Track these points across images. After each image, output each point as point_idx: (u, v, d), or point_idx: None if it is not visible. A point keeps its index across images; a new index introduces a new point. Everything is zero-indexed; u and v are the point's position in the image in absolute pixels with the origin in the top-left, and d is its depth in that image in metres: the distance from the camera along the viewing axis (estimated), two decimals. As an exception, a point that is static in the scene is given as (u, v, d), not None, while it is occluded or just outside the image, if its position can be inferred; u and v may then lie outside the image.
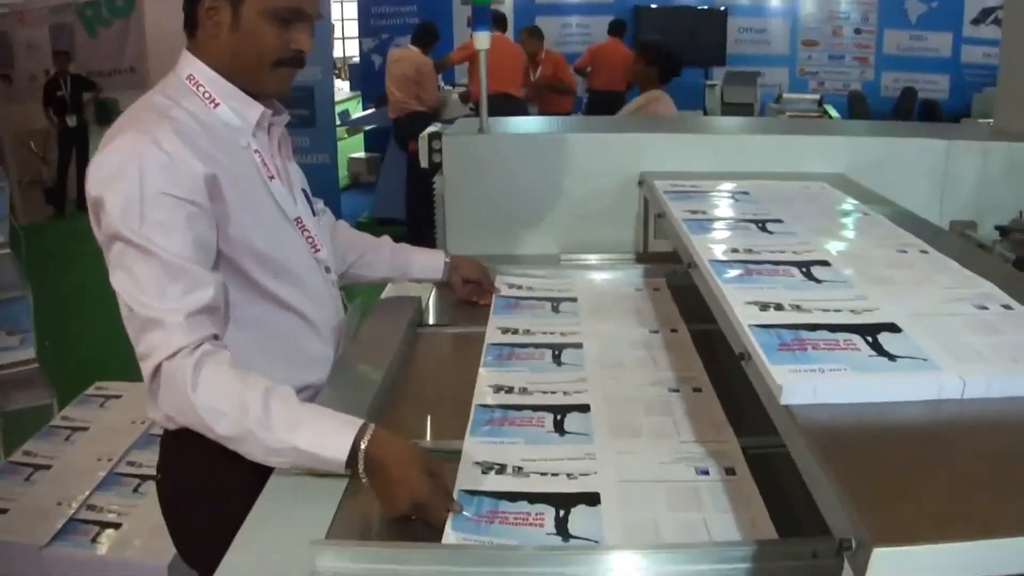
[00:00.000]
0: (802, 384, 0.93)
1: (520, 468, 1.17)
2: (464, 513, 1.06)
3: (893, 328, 1.07)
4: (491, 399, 1.38)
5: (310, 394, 1.39)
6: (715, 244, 1.44)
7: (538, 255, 2.27)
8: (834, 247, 1.43)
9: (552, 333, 1.64)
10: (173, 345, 1.16)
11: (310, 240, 1.42)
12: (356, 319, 1.88)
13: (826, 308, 1.14)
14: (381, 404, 1.41)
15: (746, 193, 1.87)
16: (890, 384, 0.94)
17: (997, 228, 2.19)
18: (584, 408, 1.34)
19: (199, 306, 1.18)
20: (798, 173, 2.13)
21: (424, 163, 2.46)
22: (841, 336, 1.05)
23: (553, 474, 1.15)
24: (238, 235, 1.28)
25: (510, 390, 1.41)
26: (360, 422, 1.14)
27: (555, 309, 1.79)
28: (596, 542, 1.02)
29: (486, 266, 1.90)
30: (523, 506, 1.08)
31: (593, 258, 2.22)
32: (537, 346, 1.58)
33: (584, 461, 1.19)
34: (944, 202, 2.31)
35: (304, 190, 1.49)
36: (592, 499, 1.10)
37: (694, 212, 1.67)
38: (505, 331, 1.66)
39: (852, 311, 1.13)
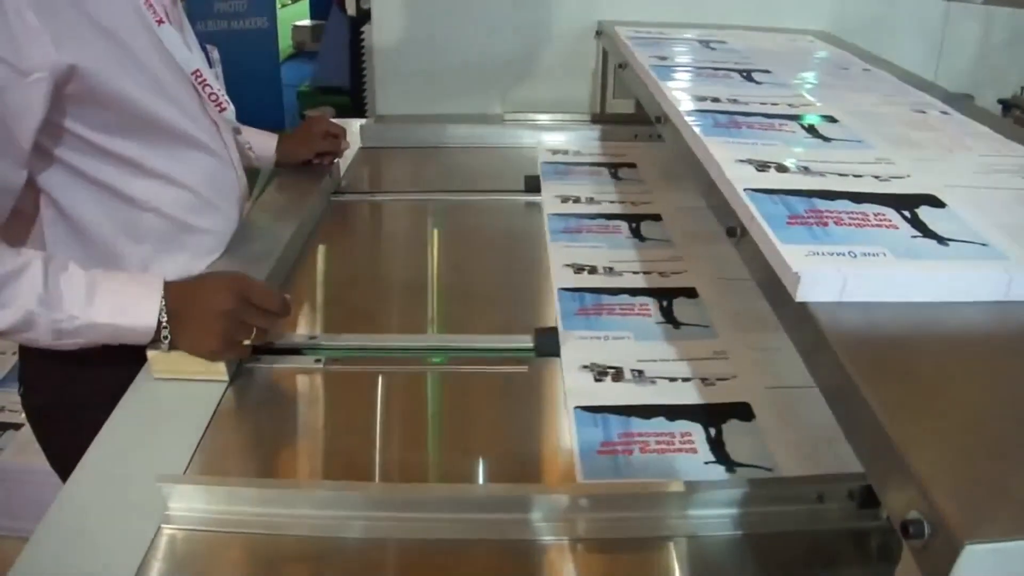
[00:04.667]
0: (827, 273, 0.65)
1: (641, 372, 0.95)
2: (596, 439, 0.85)
3: (934, 201, 0.80)
4: (573, 281, 1.16)
5: None
6: (692, 92, 1.14)
7: (478, 114, 1.95)
8: (837, 102, 1.14)
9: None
10: None
11: (213, 97, 1.12)
12: (261, 182, 1.57)
13: (843, 172, 0.86)
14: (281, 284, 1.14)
15: (723, 42, 1.56)
16: (945, 278, 0.66)
17: (1000, 102, 1.93)
18: (691, 292, 1.13)
19: None
20: (774, 28, 1.82)
21: (351, 10, 2.10)
22: (871, 208, 0.77)
23: (684, 379, 0.95)
24: (115, 101, 0.96)
25: (593, 270, 1.18)
26: (161, 278, 0.95)
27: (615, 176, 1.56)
28: (769, 469, 0.80)
29: None
30: (661, 424, 0.87)
31: (543, 118, 1.90)
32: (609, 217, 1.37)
33: (715, 361, 0.98)
34: (939, 71, 2.04)
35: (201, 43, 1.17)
36: (744, 412, 0.88)
37: (663, 59, 1.36)
38: (565, 199, 1.44)
39: (876, 177, 0.85)
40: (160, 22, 1.02)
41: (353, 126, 1.78)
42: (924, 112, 1.14)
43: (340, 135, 1.54)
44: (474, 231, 1.42)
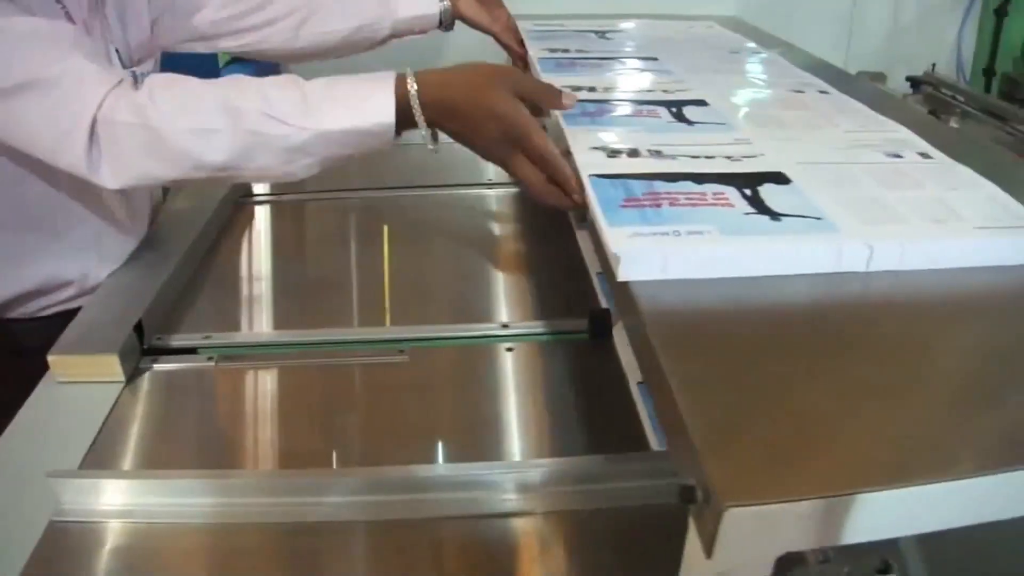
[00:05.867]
0: (647, 252, 0.65)
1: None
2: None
3: (780, 178, 0.80)
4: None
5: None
6: (571, 83, 1.13)
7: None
8: (716, 86, 1.14)
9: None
10: (93, 94, 0.85)
11: None
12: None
13: (695, 154, 0.85)
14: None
15: (620, 31, 1.56)
16: (771, 252, 0.66)
17: (908, 79, 1.96)
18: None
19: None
20: (681, 15, 1.82)
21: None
22: (711, 188, 0.77)
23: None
24: None
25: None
26: (392, 73, 0.86)
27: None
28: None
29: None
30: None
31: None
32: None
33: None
34: (851, 51, 2.06)
35: (118, 50, 1.13)
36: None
37: (553, 51, 1.36)
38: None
39: (728, 157, 0.85)
40: None
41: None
42: (802, 92, 1.14)
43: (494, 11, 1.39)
44: (391, 227, 1.42)
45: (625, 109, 1.01)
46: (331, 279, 1.24)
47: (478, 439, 0.87)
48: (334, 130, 0.85)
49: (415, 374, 0.97)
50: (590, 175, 0.79)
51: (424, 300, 1.15)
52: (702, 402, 0.51)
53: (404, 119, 0.85)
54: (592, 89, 1.09)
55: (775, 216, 0.71)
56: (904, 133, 0.97)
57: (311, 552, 0.73)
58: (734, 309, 0.63)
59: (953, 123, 1.78)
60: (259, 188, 1.55)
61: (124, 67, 1.12)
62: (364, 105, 0.85)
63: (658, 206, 0.72)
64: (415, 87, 0.85)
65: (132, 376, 0.96)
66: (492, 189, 1.48)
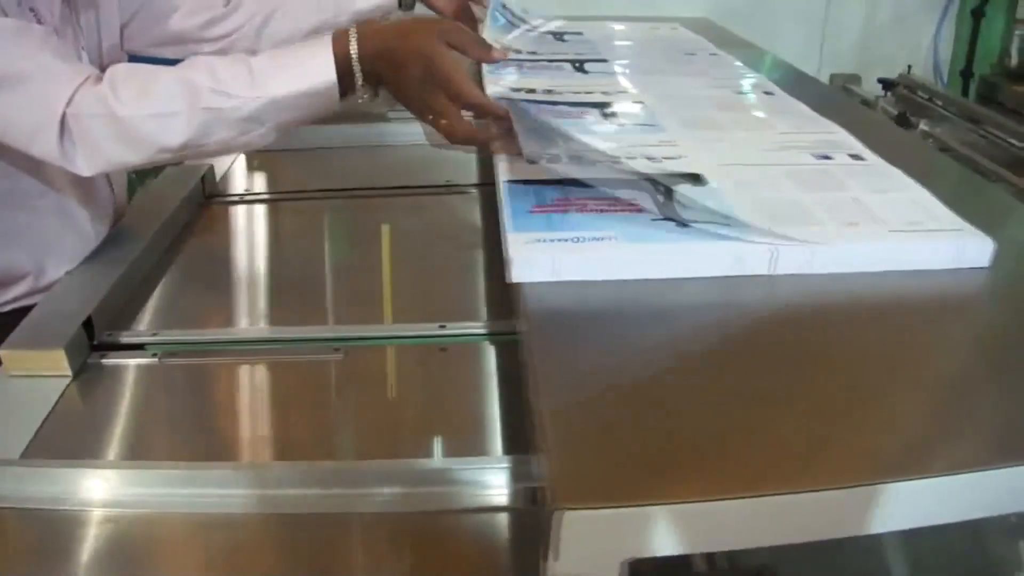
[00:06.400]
0: (540, 256, 0.64)
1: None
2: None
3: (697, 180, 0.79)
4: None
5: None
6: (514, 85, 1.13)
7: (362, 112, 1.93)
8: (658, 87, 1.13)
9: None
10: (62, 92, 0.89)
11: None
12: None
13: (616, 155, 0.84)
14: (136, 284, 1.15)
15: (579, 33, 1.55)
16: (670, 257, 0.66)
17: (880, 81, 1.94)
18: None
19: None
20: (652, 17, 1.81)
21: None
22: (626, 193, 0.76)
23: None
24: None
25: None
26: (329, 35, 0.89)
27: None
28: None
29: None
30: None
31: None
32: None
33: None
34: (824, 53, 2.05)
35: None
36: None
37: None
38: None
39: (650, 159, 0.84)
40: None
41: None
42: (747, 93, 1.14)
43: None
44: (345, 229, 1.41)
45: (558, 111, 1.00)
46: (282, 279, 1.23)
47: (395, 437, 0.87)
48: (280, 95, 0.88)
49: (348, 372, 0.97)
50: (506, 180, 0.78)
51: (366, 300, 1.15)
52: (563, 405, 0.50)
53: (346, 75, 0.88)
54: (531, 91, 1.09)
55: (682, 221, 0.70)
56: (840, 135, 0.96)
57: (216, 542, 0.74)
58: (623, 312, 0.62)
59: (923, 126, 1.76)
60: (223, 188, 1.55)
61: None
62: (306, 67, 0.88)
63: (565, 211, 0.72)
64: (355, 43, 0.87)
65: (80, 371, 0.97)
66: (449, 195, 1.48)
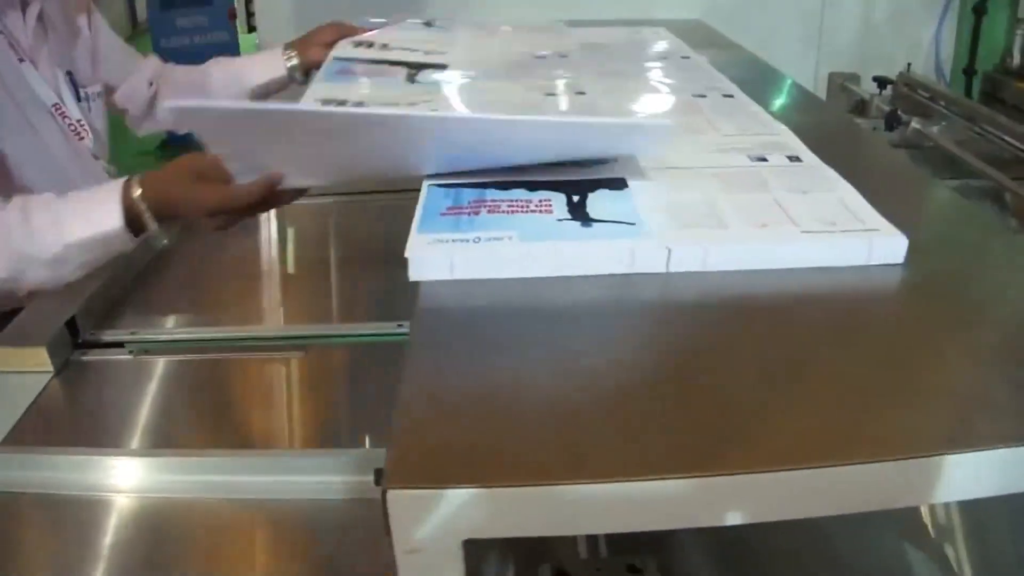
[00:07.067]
0: (438, 256, 0.68)
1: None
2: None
3: (619, 184, 0.81)
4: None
5: None
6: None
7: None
8: (618, 92, 1.15)
9: None
10: None
11: (72, 128, 1.27)
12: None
13: (552, 164, 0.87)
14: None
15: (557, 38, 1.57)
16: (559, 254, 0.68)
17: (875, 79, 1.94)
18: None
19: None
20: (646, 19, 1.83)
21: (243, 28, 2.17)
22: (540, 195, 0.79)
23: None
24: None
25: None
26: (122, 180, 0.98)
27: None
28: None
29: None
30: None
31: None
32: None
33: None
34: (822, 52, 2.04)
35: (70, 72, 1.31)
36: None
37: (478, 58, 1.38)
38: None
39: (582, 166, 0.87)
40: (21, 60, 1.19)
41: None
42: (705, 96, 1.15)
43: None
44: (318, 233, 1.47)
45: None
46: (255, 281, 1.30)
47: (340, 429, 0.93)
48: (75, 240, 0.96)
49: (309, 370, 1.03)
50: (429, 184, 0.81)
51: (327, 300, 1.21)
52: (419, 393, 0.53)
53: (135, 219, 0.96)
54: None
55: (587, 222, 0.73)
56: (785, 137, 0.98)
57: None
58: (509, 308, 0.65)
59: (915, 124, 1.75)
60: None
61: (76, 88, 1.30)
62: (98, 213, 0.96)
63: (476, 214, 0.74)
64: (139, 189, 0.95)
65: (63, 367, 1.04)
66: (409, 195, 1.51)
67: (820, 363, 0.59)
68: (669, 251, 0.68)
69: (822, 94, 2.06)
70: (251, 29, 2.03)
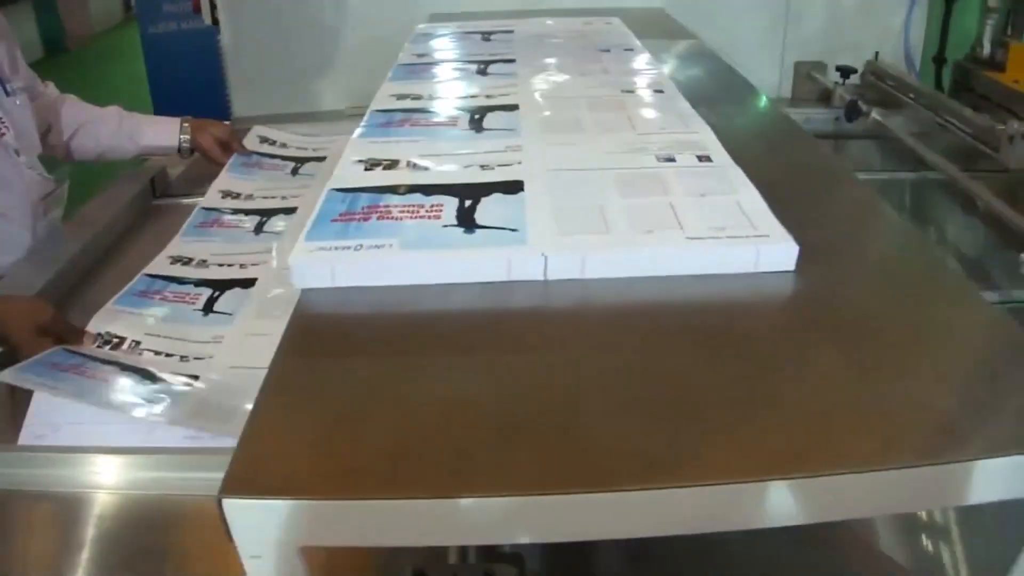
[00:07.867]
0: (320, 265, 0.69)
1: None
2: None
3: (514, 187, 0.83)
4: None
5: None
6: (400, 91, 1.17)
7: (328, 111, 2.01)
8: (542, 88, 1.16)
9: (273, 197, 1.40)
10: None
11: None
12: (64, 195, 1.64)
13: (452, 166, 0.88)
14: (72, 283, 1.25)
15: (510, 31, 1.58)
16: (437, 262, 0.70)
17: (838, 69, 1.92)
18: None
19: None
20: (611, 8, 1.82)
21: (207, 19, 2.16)
22: (434, 200, 0.80)
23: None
24: None
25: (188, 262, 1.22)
26: None
27: (295, 172, 1.51)
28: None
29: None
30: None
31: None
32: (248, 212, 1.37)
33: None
34: (788, 40, 2.03)
35: None
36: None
37: (421, 56, 1.39)
38: (225, 195, 1.41)
39: (483, 166, 0.88)
40: None
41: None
42: (632, 91, 1.16)
43: (232, 146, 1.58)
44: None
45: (429, 118, 1.04)
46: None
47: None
48: None
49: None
50: (330, 188, 0.83)
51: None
52: (275, 403, 0.55)
53: None
54: (417, 97, 1.13)
55: (471, 228, 0.74)
56: (702, 135, 0.98)
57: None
58: (384, 316, 0.67)
59: (876, 115, 1.75)
60: (176, 189, 1.63)
61: (4, 84, 1.32)
62: None
63: (366, 220, 0.76)
64: None
65: None
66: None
67: (678, 375, 0.59)
68: (546, 259, 0.69)
69: (789, 83, 2.05)
70: (214, 22, 2.03)
